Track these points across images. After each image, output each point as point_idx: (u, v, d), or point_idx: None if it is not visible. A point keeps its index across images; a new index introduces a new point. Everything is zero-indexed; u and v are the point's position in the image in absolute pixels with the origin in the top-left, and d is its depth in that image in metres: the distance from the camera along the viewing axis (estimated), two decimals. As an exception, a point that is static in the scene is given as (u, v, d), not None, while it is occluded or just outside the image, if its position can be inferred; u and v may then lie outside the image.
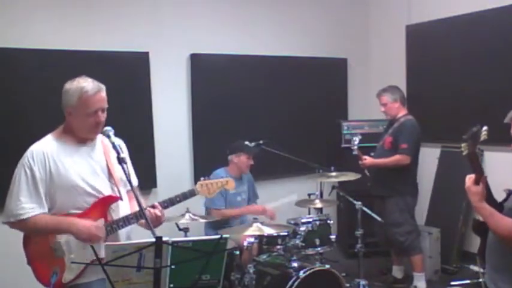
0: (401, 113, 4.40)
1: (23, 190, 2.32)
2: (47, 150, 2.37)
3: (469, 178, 2.32)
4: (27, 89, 4.00)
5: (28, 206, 2.31)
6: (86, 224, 2.34)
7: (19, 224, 2.33)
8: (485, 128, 2.24)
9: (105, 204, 2.44)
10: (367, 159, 4.35)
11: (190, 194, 2.61)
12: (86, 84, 2.38)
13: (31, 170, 2.33)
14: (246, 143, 4.35)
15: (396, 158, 4.21)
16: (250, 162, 4.35)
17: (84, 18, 4.26)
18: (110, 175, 2.48)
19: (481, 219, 2.43)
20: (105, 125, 2.44)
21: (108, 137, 2.37)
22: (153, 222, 2.37)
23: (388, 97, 4.39)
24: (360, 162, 4.35)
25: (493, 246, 2.37)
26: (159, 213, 2.47)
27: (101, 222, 2.40)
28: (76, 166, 2.40)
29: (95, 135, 2.47)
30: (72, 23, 4.21)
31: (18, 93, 3.99)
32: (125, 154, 2.53)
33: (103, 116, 2.42)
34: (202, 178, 2.75)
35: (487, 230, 2.39)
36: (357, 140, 4.31)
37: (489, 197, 2.43)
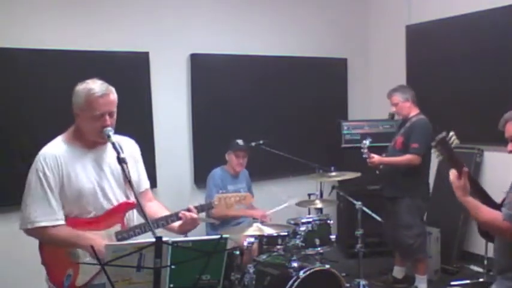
0: (413, 112, 4.30)
1: (39, 197, 2.25)
2: (59, 154, 2.30)
3: (452, 173, 2.37)
4: (27, 89, 3.99)
5: (45, 212, 2.25)
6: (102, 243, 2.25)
7: (35, 231, 2.27)
8: (452, 133, 2.31)
9: (121, 210, 2.42)
10: (375, 158, 4.23)
11: (207, 206, 2.64)
12: (95, 86, 2.31)
13: (44, 174, 2.26)
14: (238, 141, 4.32)
15: (407, 157, 4.10)
16: (239, 161, 4.30)
17: (84, 18, 4.26)
18: (125, 178, 2.38)
19: None
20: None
21: (108, 137, 2.31)
22: (189, 226, 2.46)
23: (398, 96, 4.31)
24: (368, 161, 4.24)
25: (499, 250, 2.38)
26: (194, 216, 2.45)
27: (117, 227, 2.39)
28: (86, 173, 2.34)
29: (102, 139, 2.36)
30: (72, 23, 4.21)
31: (18, 93, 3.98)
32: (138, 156, 2.60)
33: (110, 120, 2.33)
34: (220, 191, 2.95)
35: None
36: (367, 143, 4.20)
37: (485, 198, 2.44)
